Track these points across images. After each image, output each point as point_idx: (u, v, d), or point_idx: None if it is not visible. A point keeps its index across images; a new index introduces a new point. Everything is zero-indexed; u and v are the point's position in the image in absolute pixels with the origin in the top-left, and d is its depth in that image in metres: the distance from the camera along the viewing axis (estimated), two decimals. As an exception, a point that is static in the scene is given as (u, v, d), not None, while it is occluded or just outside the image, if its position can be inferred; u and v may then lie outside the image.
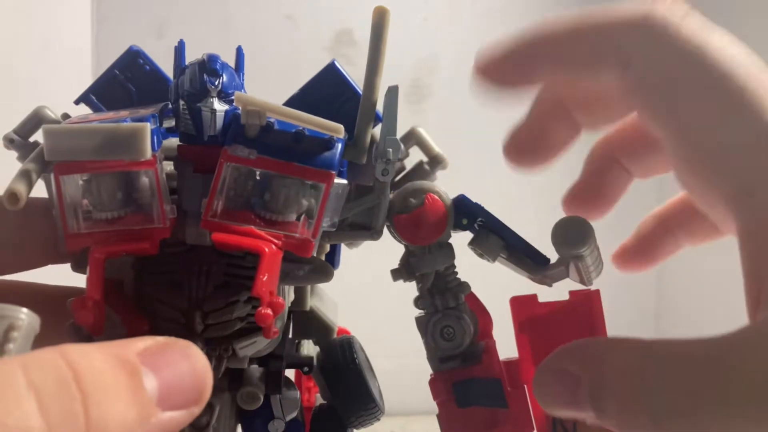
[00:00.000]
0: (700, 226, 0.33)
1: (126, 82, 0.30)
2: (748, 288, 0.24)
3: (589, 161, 0.33)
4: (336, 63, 0.31)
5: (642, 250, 0.35)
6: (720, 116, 0.24)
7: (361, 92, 0.29)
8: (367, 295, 0.90)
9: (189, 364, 0.20)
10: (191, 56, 0.29)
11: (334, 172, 0.26)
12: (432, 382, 0.32)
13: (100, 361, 0.18)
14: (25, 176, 0.24)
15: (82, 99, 0.30)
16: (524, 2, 1.13)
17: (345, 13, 1.07)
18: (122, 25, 1.06)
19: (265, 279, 0.24)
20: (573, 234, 0.28)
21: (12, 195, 0.23)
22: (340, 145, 0.26)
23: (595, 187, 0.33)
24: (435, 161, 0.33)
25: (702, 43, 0.24)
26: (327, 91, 0.30)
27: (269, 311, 0.24)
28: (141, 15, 1.07)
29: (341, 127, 0.26)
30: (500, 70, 0.28)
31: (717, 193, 0.24)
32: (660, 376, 0.23)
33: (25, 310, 0.20)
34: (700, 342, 0.23)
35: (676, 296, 1.10)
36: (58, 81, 0.80)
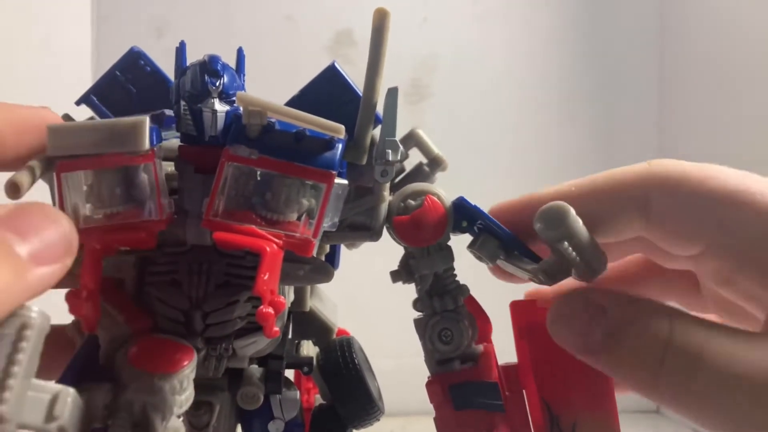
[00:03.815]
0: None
1: (126, 83, 0.30)
2: None
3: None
4: (336, 64, 0.31)
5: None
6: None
7: (360, 94, 0.29)
8: (367, 295, 0.90)
9: (53, 222, 0.22)
10: (192, 57, 0.29)
11: (335, 172, 0.26)
12: (429, 385, 0.32)
13: None
14: (28, 170, 0.25)
15: (83, 100, 0.30)
16: (524, 3, 1.13)
17: (345, 13, 1.07)
18: (122, 25, 1.06)
19: (266, 278, 0.24)
20: (550, 216, 0.28)
21: (13, 185, 0.24)
22: (340, 146, 0.26)
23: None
24: (435, 163, 0.33)
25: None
26: (327, 92, 0.30)
27: (270, 310, 0.24)
28: (141, 15, 1.07)
29: (342, 127, 0.26)
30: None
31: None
32: (689, 376, 0.25)
33: (36, 308, 0.20)
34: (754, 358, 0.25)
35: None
36: (58, 81, 0.80)
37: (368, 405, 0.33)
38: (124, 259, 0.28)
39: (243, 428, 0.32)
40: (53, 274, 0.21)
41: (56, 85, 0.80)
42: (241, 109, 0.26)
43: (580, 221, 0.28)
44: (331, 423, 0.33)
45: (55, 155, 0.25)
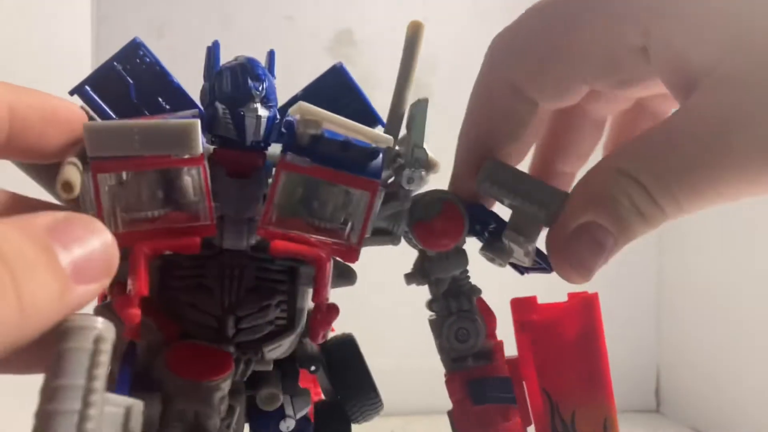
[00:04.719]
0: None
1: (125, 74, 0.29)
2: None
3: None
4: (342, 66, 0.31)
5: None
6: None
7: (364, 95, 0.29)
8: (368, 296, 0.90)
9: (98, 238, 0.20)
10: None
11: (379, 181, 0.26)
12: (448, 382, 0.33)
13: (18, 239, 0.18)
14: (74, 166, 0.23)
15: (77, 91, 0.28)
16: (524, 3, 1.13)
17: (345, 13, 1.07)
18: (122, 25, 1.06)
19: (324, 285, 0.25)
20: (480, 172, 0.30)
21: (66, 183, 0.23)
22: (381, 155, 0.26)
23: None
24: (428, 166, 0.33)
25: None
26: (330, 92, 0.30)
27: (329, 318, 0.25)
28: (141, 15, 1.07)
29: (390, 138, 0.26)
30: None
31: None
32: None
33: (100, 319, 0.19)
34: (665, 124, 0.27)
35: (676, 295, 1.10)
36: (58, 81, 0.80)
37: (371, 395, 0.33)
38: (152, 262, 0.27)
39: (251, 427, 0.32)
40: (91, 294, 0.20)
41: (56, 85, 0.80)
42: (292, 116, 0.26)
43: (511, 167, 0.29)
44: (336, 417, 0.33)
45: (96, 155, 0.23)
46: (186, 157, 0.24)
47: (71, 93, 0.28)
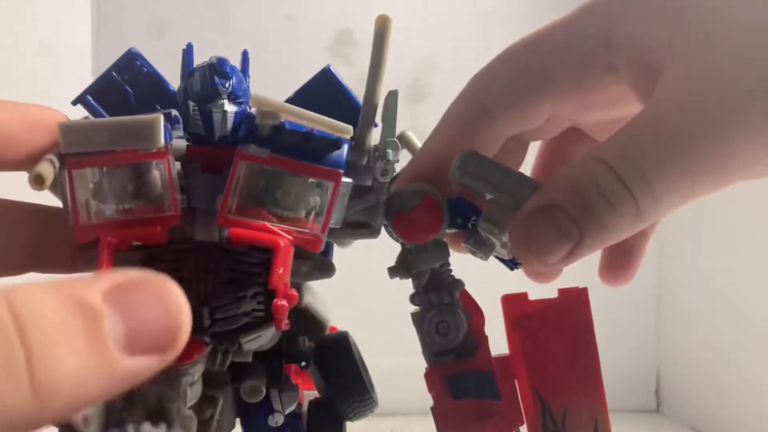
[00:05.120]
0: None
1: (123, 84, 0.30)
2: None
3: None
4: (331, 68, 0.32)
5: (622, 257, 0.36)
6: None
7: (354, 96, 0.30)
8: (366, 293, 0.90)
9: (161, 304, 0.18)
10: (193, 57, 0.29)
11: (342, 171, 0.27)
12: (427, 375, 0.33)
13: (51, 308, 0.16)
14: (49, 162, 0.25)
15: (79, 100, 0.30)
16: (524, 3, 1.13)
17: (345, 13, 1.07)
18: (122, 25, 1.06)
19: (281, 272, 0.25)
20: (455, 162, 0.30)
21: (37, 176, 0.24)
22: (346, 146, 0.28)
23: (620, 254, 0.35)
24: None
25: None
26: (322, 94, 0.31)
27: (285, 302, 0.25)
28: (141, 15, 1.07)
29: (350, 127, 0.27)
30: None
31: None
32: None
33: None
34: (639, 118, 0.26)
35: (676, 295, 1.10)
36: (58, 81, 0.80)
37: (363, 393, 0.33)
38: (131, 256, 0.28)
39: (242, 421, 0.33)
40: (148, 368, 0.18)
41: (56, 85, 0.80)
42: (251, 109, 0.27)
43: (485, 157, 0.30)
44: (328, 415, 0.34)
45: (69, 152, 0.25)
46: (152, 150, 0.25)
47: (74, 103, 0.30)
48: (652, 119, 0.26)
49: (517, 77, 0.32)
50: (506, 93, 0.32)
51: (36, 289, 0.16)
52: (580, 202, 0.26)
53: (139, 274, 0.18)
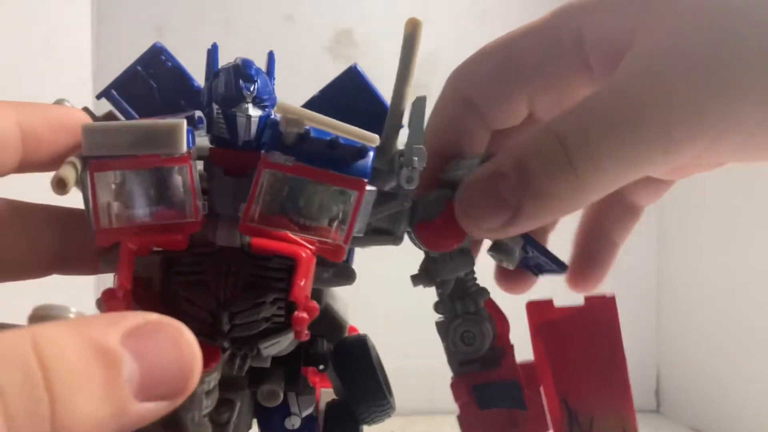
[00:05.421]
0: (621, 212, 0.36)
1: (148, 78, 0.30)
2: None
3: (577, 238, 0.37)
4: (357, 66, 0.31)
5: (588, 264, 0.36)
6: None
7: (381, 96, 0.29)
8: (370, 296, 0.90)
9: (176, 350, 0.19)
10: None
11: (367, 180, 0.26)
12: (454, 385, 0.32)
13: (74, 354, 0.16)
14: (72, 165, 0.24)
15: (104, 94, 0.29)
16: (524, 3, 1.13)
17: (345, 13, 1.07)
18: (122, 25, 1.06)
19: (302, 284, 0.25)
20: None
21: (60, 180, 0.24)
22: (371, 154, 0.27)
23: (587, 260, 0.36)
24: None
25: None
26: (347, 94, 0.31)
27: (305, 315, 0.25)
28: (141, 15, 1.07)
29: (376, 137, 0.26)
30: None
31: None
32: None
33: (73, 309, 0.19)
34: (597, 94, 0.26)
35: (676, 295, 1.10)
36: (59, 81, 0.80)
37: (380, 399, 0.33)
38: (152, 258, 0.28)
39: (259, 424, 0.32)
40: (157, 412, 0.18)
41: (56, 85, 0.80)
42: (275, 115, 0.26)
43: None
44: (345, 418, 0.33)
45: (91, 155, 0.25)
46: (175, 156, 0.25)
47: (98, 97, 0.30)
48: (606, 93, 0.26)
49: (493, 77, 0.32)
50: (486, 89, 0.32)
51: (61, 331, 0.17)
52: (520, 170, 0.26)
53: (156, 318, 0.19)
